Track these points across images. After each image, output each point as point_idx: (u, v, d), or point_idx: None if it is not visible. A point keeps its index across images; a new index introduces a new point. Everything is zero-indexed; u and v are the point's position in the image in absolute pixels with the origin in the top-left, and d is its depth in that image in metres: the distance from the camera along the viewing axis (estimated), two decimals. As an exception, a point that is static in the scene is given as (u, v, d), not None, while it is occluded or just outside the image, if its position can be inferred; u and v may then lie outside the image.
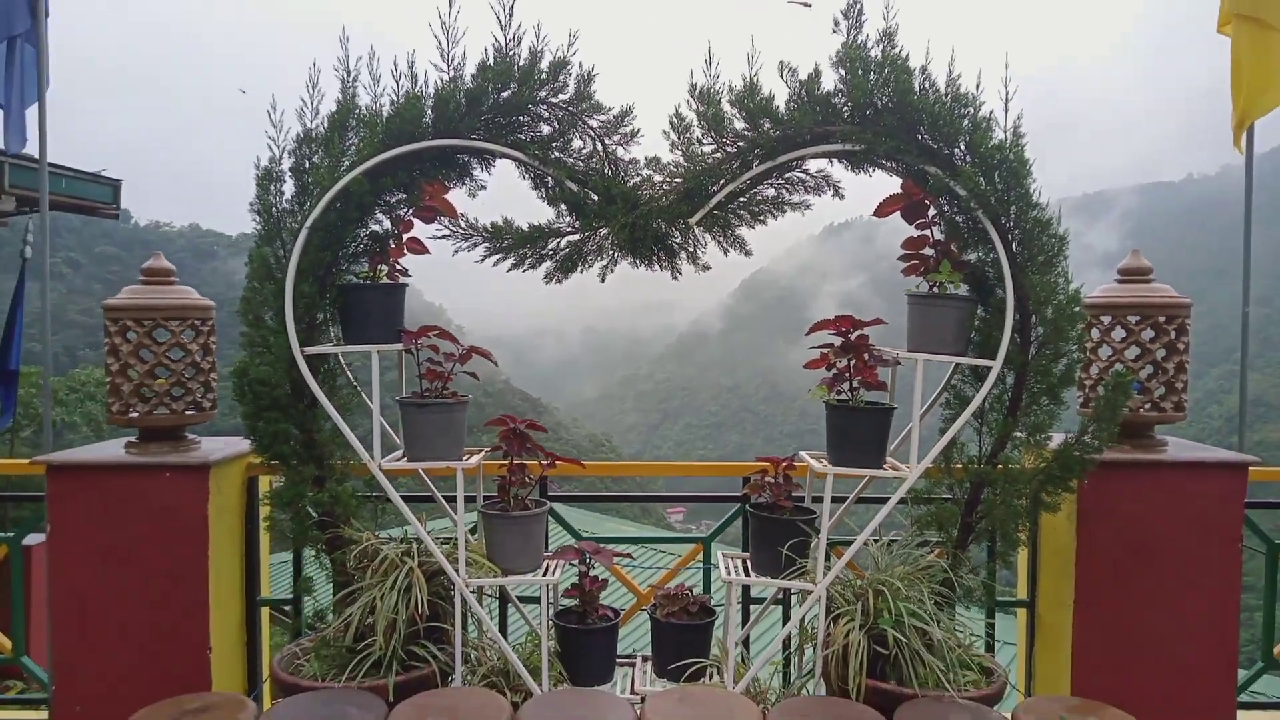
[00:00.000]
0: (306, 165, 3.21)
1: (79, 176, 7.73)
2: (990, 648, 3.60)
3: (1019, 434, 3.23)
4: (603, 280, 3.27)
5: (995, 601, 3.52)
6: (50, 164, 7.64)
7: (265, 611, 3.79)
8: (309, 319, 3.20)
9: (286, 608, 3.67)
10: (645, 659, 3.48)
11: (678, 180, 3.17)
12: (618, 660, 3.42)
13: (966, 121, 3.06)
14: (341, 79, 3.23)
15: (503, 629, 3.68)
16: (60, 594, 3.29)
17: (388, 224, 3.29)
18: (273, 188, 3.22)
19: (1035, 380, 3.19)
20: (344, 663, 3.09)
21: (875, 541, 3.35)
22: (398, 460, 3.18)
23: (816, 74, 3.09)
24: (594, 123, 3.19)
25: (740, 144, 3.14)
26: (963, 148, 3.09)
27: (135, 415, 3.41)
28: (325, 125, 3.21)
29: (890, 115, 3.06)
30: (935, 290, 3.17)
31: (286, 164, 3.22)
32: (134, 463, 3.31)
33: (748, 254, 3.26)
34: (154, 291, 3.47)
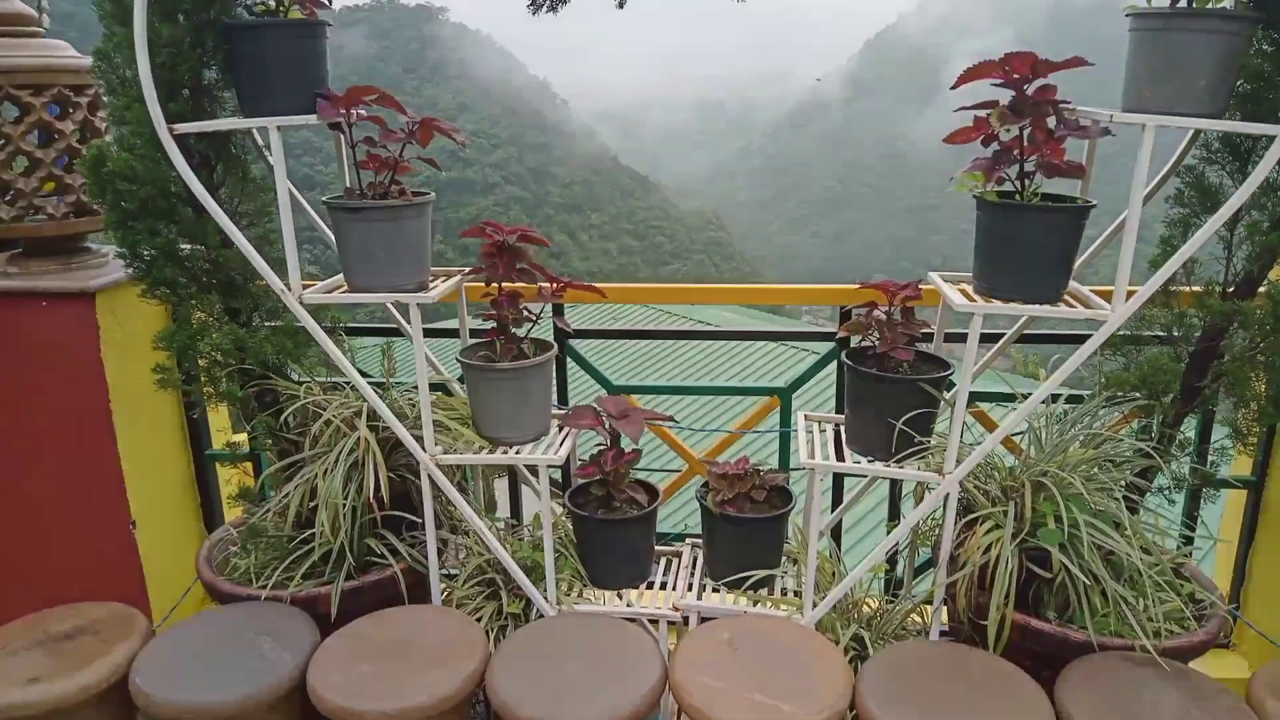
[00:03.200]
0: None
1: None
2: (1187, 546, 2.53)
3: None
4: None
5: (1213, 484, 2.40)
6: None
7: (229, 471, 3.02)
8: (192, 80, 2.15)
9: (246, 465, 2.87)
10: (695, 545, 2.57)
11: None
12: (658, 548, 2.53)
13: None
14: None
15: (515, 511, 2.82)
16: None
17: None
18: None
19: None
20: (284, 556, 2.31)
21: (1041, 404, 2.23)
22: (330, 291, 2.21)
23: None
24: None
25: None
26: None
27: (2, 223, 2.51)
28: None
29: None
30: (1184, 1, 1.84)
31: None
32: (1, 288, 2.45)
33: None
34: (4, 47, 2.46)
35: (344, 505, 2.19)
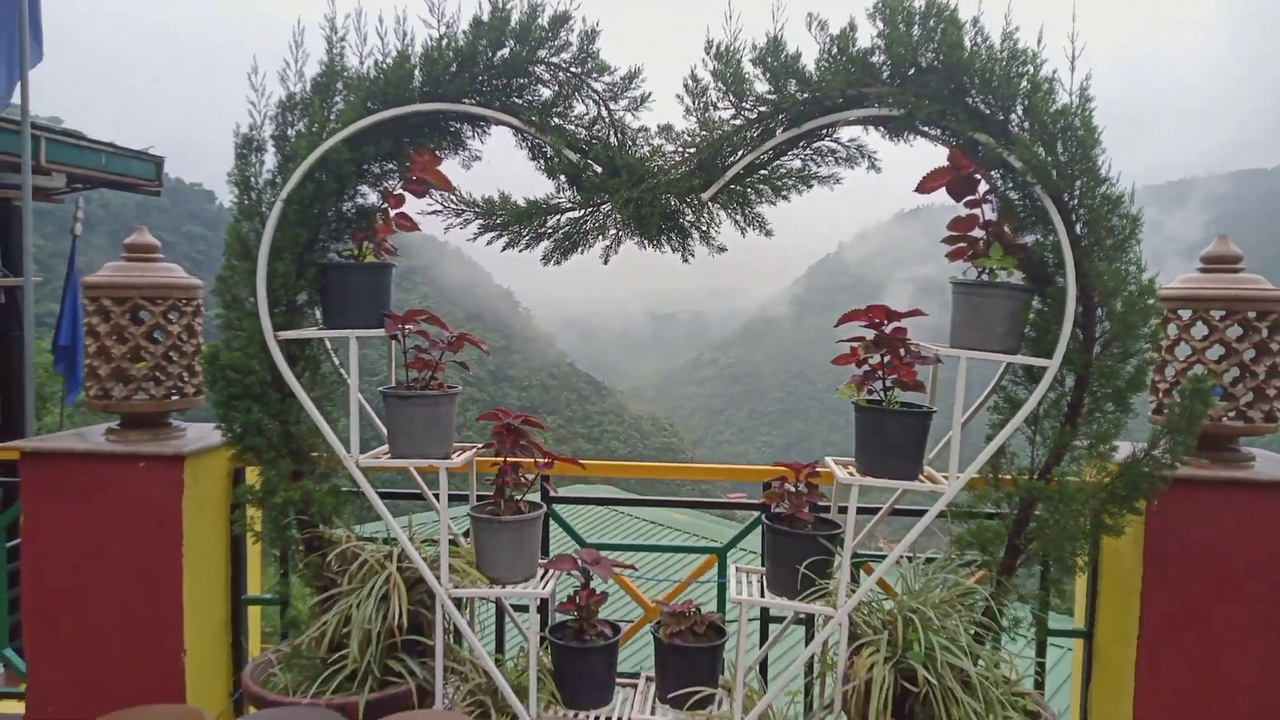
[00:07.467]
0: (289, 133, 2.96)
1: (119, 152, 7.69)
2: (1040, 685, 3.20)
3: (1079, 444, 2.81)
4: (605, 261, 2.95)
5: (1048, 633, 3.11)
6: (90, 140, 7.62)
7: (256, 611, 3.58)
8: (288, 301, 2.95)
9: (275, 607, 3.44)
10: (649, 679, 3.16)
11: (691, 151, 2.82)
12: (618, 680, 3.12)
13: (1025, 83, 2.64)
14: (327, 38, 2.96)
15: (499, 643, 3.41)
16: (32, 587, 3.12)
17: (375, 198, 3.02)
18: (253, 158, 2.97)
19: (1099, 383, 2.77)
20: (317, 674, 2.86)
21: (909, 560, 2.97)
22: (379, 456, 2.92)
23: (851, 28, 2.70)
24: (598, 85, 2.86)
25: (762, 109, 2.77)
26: (1020, 113, 2.67)
27: (113, 400, 3.21)
28: (309, 89, 2.95)
29: (935, 75, 2.66)
30: (984, 277, 2.76)
31: (268, 131, 2.97)
32: (106, 451, 3.12)
33: (767, 234, 2.90)
34: (135, 269, 3.26)
35: (376, 629, 2.78)
